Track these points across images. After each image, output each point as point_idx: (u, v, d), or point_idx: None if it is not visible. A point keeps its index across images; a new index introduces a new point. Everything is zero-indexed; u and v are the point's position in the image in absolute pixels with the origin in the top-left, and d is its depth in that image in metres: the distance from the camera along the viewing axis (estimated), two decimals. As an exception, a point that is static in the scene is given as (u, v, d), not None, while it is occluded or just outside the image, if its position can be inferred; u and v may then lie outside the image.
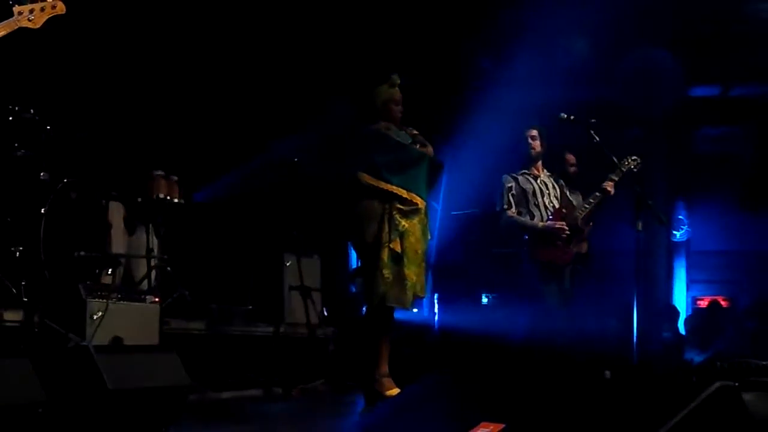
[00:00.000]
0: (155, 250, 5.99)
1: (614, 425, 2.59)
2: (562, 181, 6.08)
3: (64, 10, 3.81)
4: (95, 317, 4.49)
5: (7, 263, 4.65)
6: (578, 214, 5.81)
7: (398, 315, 5.00)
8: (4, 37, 3.75)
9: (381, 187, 4.78)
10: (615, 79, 8.78)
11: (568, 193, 6.07)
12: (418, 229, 4.84)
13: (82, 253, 5.14)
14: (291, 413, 5.30)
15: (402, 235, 4.77)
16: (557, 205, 5.86)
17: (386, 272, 4.70)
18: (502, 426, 2.67)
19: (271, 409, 5.35)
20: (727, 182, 10.14)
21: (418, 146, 4.99)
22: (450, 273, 8.41)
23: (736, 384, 2.49)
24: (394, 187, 4.78)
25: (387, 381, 4.79)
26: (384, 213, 4.76)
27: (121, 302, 4.79)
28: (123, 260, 5.84)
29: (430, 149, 5.02)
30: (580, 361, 5.45)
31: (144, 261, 5.92)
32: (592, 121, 5.40)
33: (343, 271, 8.42)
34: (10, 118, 4.85)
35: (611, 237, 6.67)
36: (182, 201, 6.28)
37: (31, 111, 4.92)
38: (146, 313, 4.98)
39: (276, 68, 7.69)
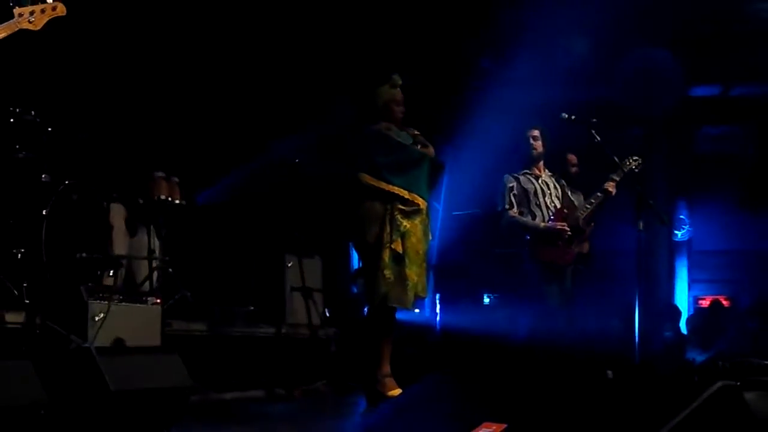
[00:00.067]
0: (157, 252, 5.99)
1: (616, 425, 2.59)
2: (563, 181, 6.08)
3: (65, 11, 3.80)
4: (97, 319, 4.49)
5: (8, 265, 4.65)
6: (580, 214, 5.81)
7: (400, 315, 5.00)
8: (5, 39, 3.75)
9: (382, 187, 4.78)
10: (615, 79, 8.79)
11: (569, 193, 6.07)
12: (419, 230, 4.85)
13: (84, 254, 5.13)
14: (293, 414, 5.29)
15: (403, 236, 4.77)
16: (559, 206, 5.86)
17: (387, 273, 4.71)
18: (504, 426, 2.67)
19: (273, 410, 5.34)
20: (728, 182, 10.17)
21: (419, 147, 4.99)
22: (451, 273, 8.39)
23: (738, 383, 2.50)
24: (396, 188, 4.78)
25: (389, 381, 4.79)
26: (385, 213, 4.76)
27: (123, 304, 4.79)
28: (124, 262, 5.83)
29: (431, 150, 5.02)
30: (582, 361, 5.44)
31: (145, 262, 5.92)
32: (593, 121, 5.39)
33: (345, 271, 8.41)
34: (12, 120, 4.84)
35: (613, 237, 6.67)
36: (184, 202, 6.28)
37: (32, 113, 4.90)
38: (148, 315, 4.97)
39: (277, 69, 7.68)
